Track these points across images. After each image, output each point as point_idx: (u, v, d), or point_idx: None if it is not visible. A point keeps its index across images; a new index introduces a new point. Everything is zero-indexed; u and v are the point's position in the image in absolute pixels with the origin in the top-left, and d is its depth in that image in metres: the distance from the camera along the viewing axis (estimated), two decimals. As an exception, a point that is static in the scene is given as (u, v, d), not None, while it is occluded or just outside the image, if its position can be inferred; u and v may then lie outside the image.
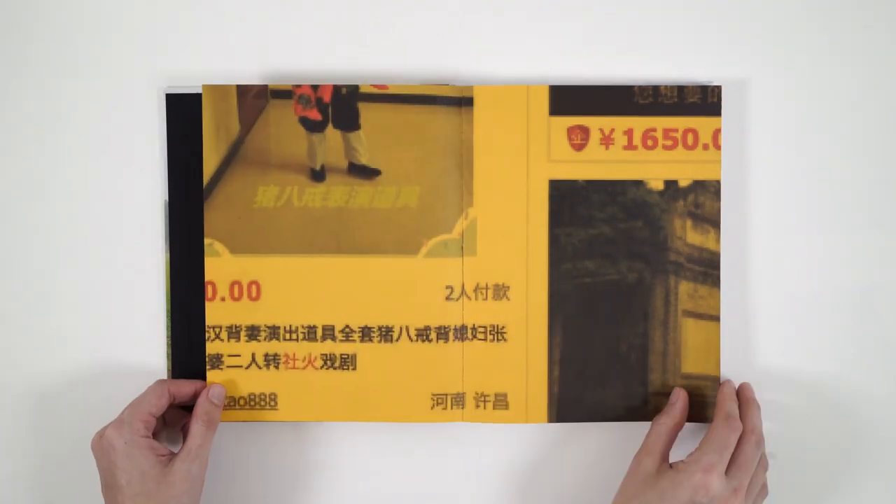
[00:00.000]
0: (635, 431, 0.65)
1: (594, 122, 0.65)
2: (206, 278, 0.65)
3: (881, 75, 0.67)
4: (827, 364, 0.68)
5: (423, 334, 0.65)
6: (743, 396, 0.65)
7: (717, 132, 0.65)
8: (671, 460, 0.63)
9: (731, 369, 0.67)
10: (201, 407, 0.63)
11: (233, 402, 0.65)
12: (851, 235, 0.67)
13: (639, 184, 0.65)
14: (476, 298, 0.65)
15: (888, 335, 0.67)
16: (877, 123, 0.67)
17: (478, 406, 0.65)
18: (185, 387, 0.64)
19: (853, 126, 0.67)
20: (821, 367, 0.68)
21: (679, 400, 0.65)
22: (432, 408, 0.65)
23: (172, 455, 0.62)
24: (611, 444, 0.67)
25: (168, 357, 0.67)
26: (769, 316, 0.67)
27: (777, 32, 0.67)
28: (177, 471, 0.61)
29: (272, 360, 0.65)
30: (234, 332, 0.65)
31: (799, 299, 0.67)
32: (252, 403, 0.65)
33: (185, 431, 0.64)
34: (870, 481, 0.68)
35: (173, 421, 0.66)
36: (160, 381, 0.64)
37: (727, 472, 0.60)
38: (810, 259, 0.67)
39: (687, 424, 0.65)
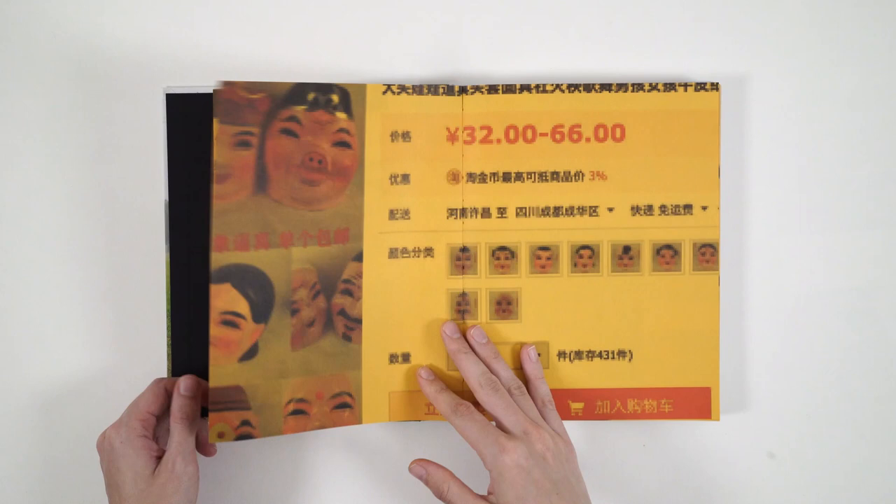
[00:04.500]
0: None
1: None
2: None
3: (881, 74, 0.67)
4: (826, 364, 0.68)
5: None
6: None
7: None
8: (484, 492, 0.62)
9: (731, 369, 0.67)
10: (175, 403, 0.63)
11: None
12: (851, 235, 0.67)
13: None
14: None
15: (888, 335, 0.68)
16: (877, 123, 0.67)
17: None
18: None
19: (853, 125, 0.67)
20: (820, 367, 0.68)
21: (428, 472, 0.62)
22: None
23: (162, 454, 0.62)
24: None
25: (168, 357, 0.67)
26: (768, 315, 0.67)
27: (777, 31, 0.67)
28: (160, 472, 0.61)
29: None
30: None
31: (798, 299, 0.67)
32: None
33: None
34: (870, 481, 0.68)
35: None
36: (157, 380, 0.64)
37: (501, 427, 0.61)
38: (810, 259, 0.67)
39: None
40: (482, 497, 0.60)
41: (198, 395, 0.63)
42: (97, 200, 0.67)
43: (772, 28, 0.67)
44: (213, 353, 0.62)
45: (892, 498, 0.68)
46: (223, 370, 0.62)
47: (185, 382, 0.63)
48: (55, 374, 0.67)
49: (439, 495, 0.62)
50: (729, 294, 0.67)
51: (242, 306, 0.63)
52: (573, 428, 0.67)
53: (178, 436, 0.62)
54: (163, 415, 0.64)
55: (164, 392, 0.63)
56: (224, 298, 0.62)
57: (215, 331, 0.62)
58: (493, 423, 0.62)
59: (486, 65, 0.67)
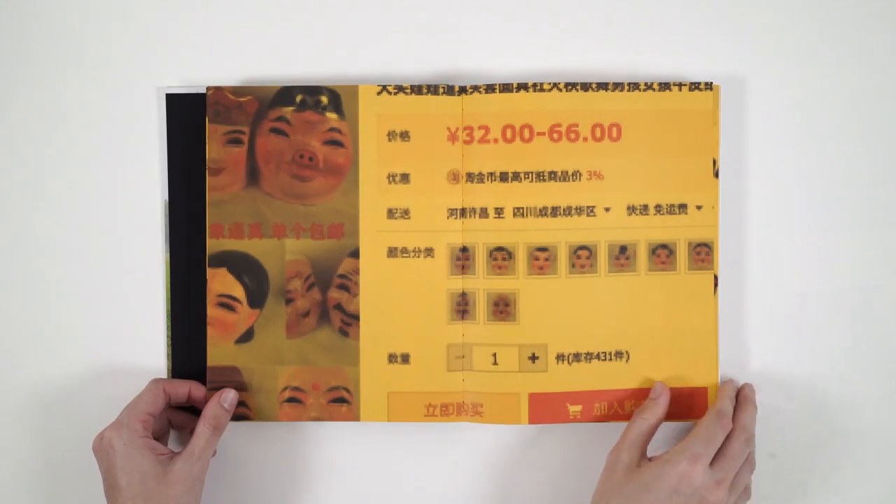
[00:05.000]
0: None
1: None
2: None
3: (881, 74, 0.67)
4: (826, 364, 0.67)
5: None
6: (741, 395, 0.65)
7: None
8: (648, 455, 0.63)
9: (729, 368, 0.67)
10: (210, 410, 0.63)
11: None
12: (851, 235, 0.67)
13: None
14: None
15: (887, 335, 0.67)
16: (877, 123, 0.67)
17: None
18: (180, 387, 0.65)
19: (853, 125, 0.67)
20: (819, 368, 0.67)
21: (661, 395, 0.64)
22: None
23: (173, 454, 0.62)
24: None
25: (168, 357, 0.67)
26: (767, 315, 0.67)
27: (776, 31, 0.67)
28: (177, 471, 0.61)
29: None
30: None
31: (798, 299, 0.67)
32: None
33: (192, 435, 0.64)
34: (869, 481, 0.68)
35: (181, 425, 0.66)
36: (155, 381, 0.64)
37: (712, 464, 0.60)
38: (810, 259, 0.67)
39: (673, 424, 0.66)
40: (649, 459, 0.62)
41: (233, 409, 0.65)
42: (97, 201, 0.67)
43: (771, 28, 0.67)
44: (211, 333, 0.66)
45: (892, 499, 0.68)
46: (220, 350, 0.66)
47: (229, 396, 0.64)
48: (55, 374, 0.68)
49: (636, 415, 0.64)
50: (728, 294, 0.67)
51: (238, 290, 0.66)
52: (572, 430, 0.67)
53: (205, 441, 0.62)
54: (160, 414, 0.64)
55: (163, 392, 0.64)
56: (220, 282, 0.66)
57: (212, 312, 0.66)
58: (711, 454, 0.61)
59: (484, 64, 0.67)
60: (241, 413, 0.66)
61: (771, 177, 0.67)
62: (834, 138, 0.67)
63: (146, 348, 0.67)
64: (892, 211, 0.67)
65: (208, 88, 0.65)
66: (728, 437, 0.62)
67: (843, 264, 0.67)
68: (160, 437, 0.65)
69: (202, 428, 0.63)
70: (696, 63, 0.67)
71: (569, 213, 0.66)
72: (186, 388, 0.65)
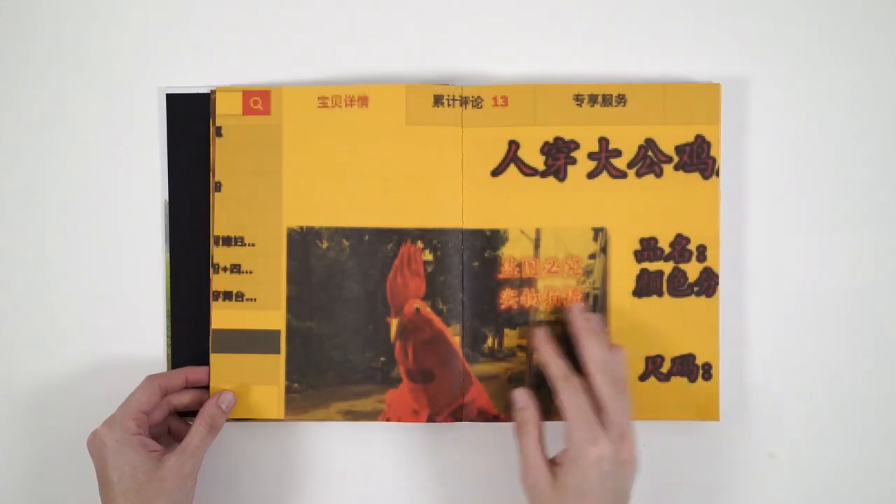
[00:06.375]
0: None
1: None
2: None
3: (881, 74, 0.67)
4: (826, 364, 0.67)
5: None
6: (572, 330, 0.62)
7: None
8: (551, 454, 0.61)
9: (730, 367, 0.67)
10: (207, 410, 0.64)
11: None
12: (851, 235, 0.67)
13: None
14: None
15: (888, 335, 0.67)
16: (877, 123, 0.67)
17: None
18: (176, 377, 0.65)
19: (853, 125, 0.67)
20: (819, 367, 0.67)
21: (528, 404, 0.62)
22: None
23: (165, 452, 0.62)
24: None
25: (168, 356, 0.67)
26: (768, 315, 0.67)
27: (777, 31, 0.67)
28: (169, 467, 0.61)
29: None
30: None
31: (798, 299, 0.67)
32: None
33: None
34: (869, 481, 0.68)
35: (179, 432, 0.66)
36: (150, 378, 0.64)
37: (603, 423, 0.59)
38: (810, 259, 0.67)
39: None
40: (551, 461, 0.60)
41: (230, 411, 0.65)
42: (97, 200, 0.68)
43: (772, 28, 0.67)
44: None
45: (892, 498, 0.68)
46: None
47: (227, 398, 0.65)
48: (55, 374, 0.68)
49: (518, 433, 0.61)
50: (729, 294, 0.67)
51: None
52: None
53: (200, 440, 0.63)
54: (153, 411, 0.64)
55: (158, 389, 0.64)
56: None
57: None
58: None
59: (484, 65, 0.67)
60: (243, 413, 0.66)
61: (771, 176, 0.67)
62: (834, 138, 0.67)
63: (146, 348, 0.67)
64: (892, 211, 0.67)
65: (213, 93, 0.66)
66: (592, 386, 0.59)
67: (843, 264, 0.67)
68: (157, 440, 0.64)
69: (198, 426, 0.63)
70: (698, 62, 0.67)
71: None
72: (182, 377, 0.65)
